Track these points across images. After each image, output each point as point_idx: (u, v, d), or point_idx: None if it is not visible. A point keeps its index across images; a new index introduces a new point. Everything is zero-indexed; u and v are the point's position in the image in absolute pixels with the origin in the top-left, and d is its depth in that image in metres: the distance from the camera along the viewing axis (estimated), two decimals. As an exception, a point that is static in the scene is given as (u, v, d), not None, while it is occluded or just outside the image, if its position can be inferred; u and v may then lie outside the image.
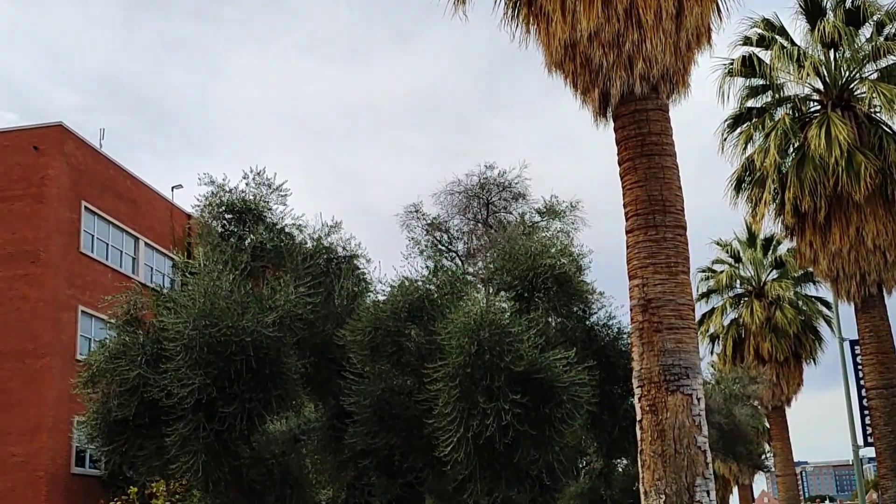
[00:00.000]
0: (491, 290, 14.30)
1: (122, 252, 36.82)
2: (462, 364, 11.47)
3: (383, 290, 14.42)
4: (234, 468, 13.37)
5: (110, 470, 32.23)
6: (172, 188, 41.17)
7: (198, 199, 15.43)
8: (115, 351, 13.50)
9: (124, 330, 14.08)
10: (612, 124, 12.44)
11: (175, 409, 12.66)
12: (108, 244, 35.87)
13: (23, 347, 31.39)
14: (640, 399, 11.39)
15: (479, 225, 35.31)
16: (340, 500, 15.52)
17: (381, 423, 13.06)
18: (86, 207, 34.33)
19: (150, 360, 13.20)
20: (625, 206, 12.04)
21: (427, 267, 14.67)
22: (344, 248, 15.69)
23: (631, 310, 11.70)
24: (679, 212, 11.85)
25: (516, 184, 36.15)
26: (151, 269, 38.41)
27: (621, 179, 12.15)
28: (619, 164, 12.20)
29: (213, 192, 15.43)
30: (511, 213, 36.54)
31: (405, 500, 14.57)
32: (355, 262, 15.69)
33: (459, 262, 32.68)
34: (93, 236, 34.89)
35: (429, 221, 36.84)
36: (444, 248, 36.57)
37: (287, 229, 15.64)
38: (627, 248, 11.92)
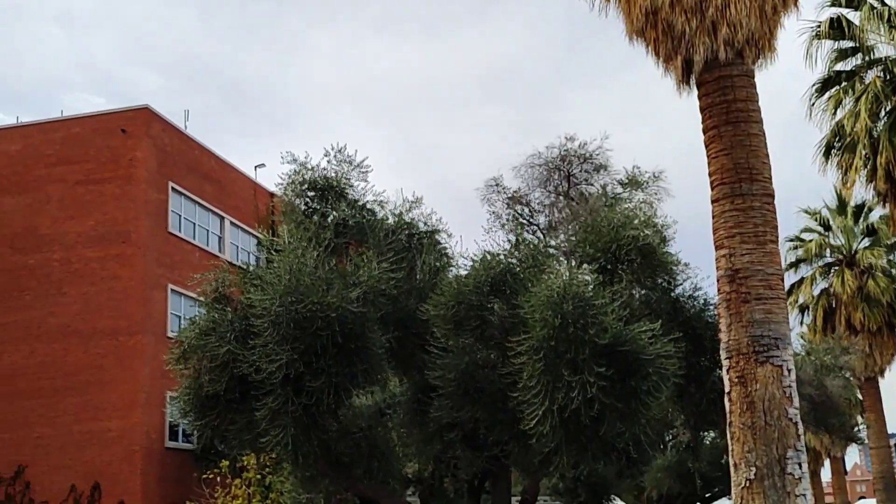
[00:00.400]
0: (573, 263, 14.18)
1: (208, 231, 37.61)
2: (546, 337, 11.43)
3: (465, 265, 14.45)
4: (322, 441, 13.59)
5: (203, 444, 33.12)
6: (255, 167, 41.87)
7: (281, 178, 15.64)
8: (205, 328, 13.82)
9: (213, 307, 14.39)
10: (695, 92, 12.18)
11: (264, 384, 12.90)
12: (194, 224, 36.67)
13: (116, 325, 32.38)
14: (728, 371, 11.20)
15: (561, 197, 35.05)
16: (427, 473, 15.67)
17: (465, 396, 13.11)
18: (172, 188, 35.12)
19: (239, 336, 13.47)
20: (710, 174, 11.80)
21: (509, 240, 14.65)
22: (425, 224, 15.75)
23: (718, 280, 11.48)
24: (766, 180, 11.57)
25: (597, 155, 35.73)
26: (237, 247, 39.17)
27: (706, 148, 11.90)
28: (704, 133, 11.96)
29: (295, 171, 15.61)
30: (592, 184, 36.18)
31: (491, 473, 14.66)
32: (437, 236, 15.74)
33: (541, 236, 32.48)
34: (180, 216, 35.70)
35: (509, 195, 36.72)
36: (525, 221, 36.44)
37: (369, 205, 15.77)
38: (713, 217, 11.70)
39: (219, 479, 28.70)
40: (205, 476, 29.42)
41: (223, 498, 27.78)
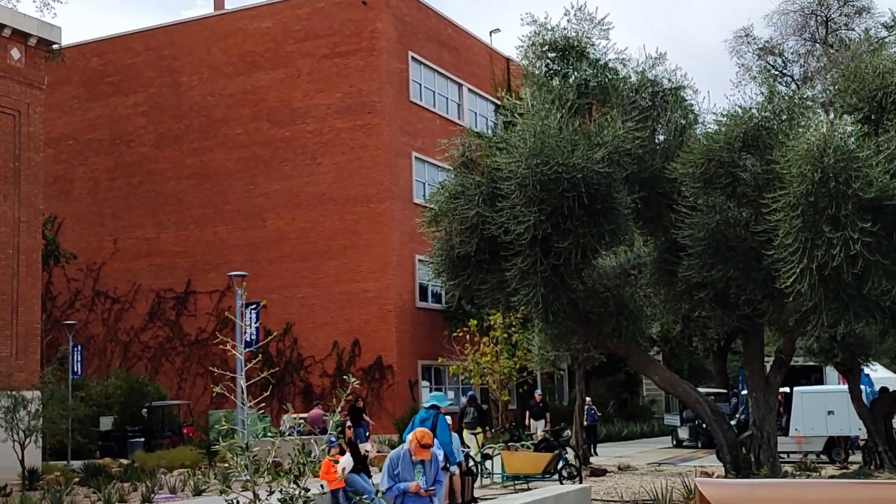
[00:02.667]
0: (833, 114, 13.34)
1: (447, 99, 38.26)
2: (804, 193, 10.95)
3: (713, 121, 13.93)
4: (570, 300, 13.86)
5: (451, 305, 34.61)
6: (490, 33, 41.88)
7: (520, 41, 15.51)
8: (454, 192, 14.25)
9: (461, 172, 14.78)
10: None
11: (513, 245, 13.23)
12: (434, 92, 37.38)
13: (366, 192, 34.01)
14: None
15: (818, 45, 32.78)
16: (675, 332, 15.68)
17: (716, 255, 12.87)
18: (412, 57, 35.82)
19: (487, 199, 13.80)
20: None
21: (761, 93, 13.89)
22: (669, 80, 15.22)
23: None
24: None
25: (859, -4, 32.91)
26: (475, 114, 39.66)
27: None
28: None
29: (535, 32, 15.41)
30: (853, 29, 33.54)
31: (742, 332, 14.45)
32: (681, 93, 15.20)
33: (796, 87, 30.70)
34: (420, 85, 36.47)
35: (760, 45, 34.69)
36: (777, 72, 34.51)
37: (610, 64, 15.39)
38: None
39: (467, 337, 30.01)
40: (454, 334, 30.88)
41: (473, 354, 29.11)
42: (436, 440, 12.26)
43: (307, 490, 4.56)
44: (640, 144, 13.84)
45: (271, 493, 4.61)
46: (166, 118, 37.71)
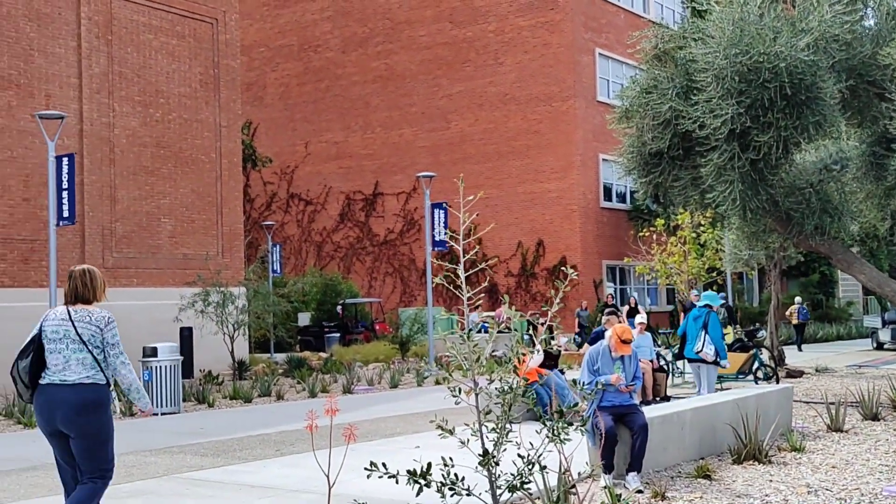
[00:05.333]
0: None
1: (632, -9, 36.96)
2: None
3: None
4: (770, 196, 13.33)
5: (640, 204, 34.11)
6: (678, -82, 39.86)
7: (718, -78, 14.67)
8: (647, 86, 13.81)
9: (653, 65, 14.29)
10: None
11: (708, 140, 12.77)
12: (618, -16, 36.17)
13: (548, 91, 33.59)
14: None
15: None
16: (883, 230, 14.85)
17: (934, 146, 12.02)
18: (596, -51, 34.67)
19: (681, 92, 13.32)
20: None
21: None
22: (880, -43, 14.08)
23: None
24: None
25: None
26: (661, 6, 38.17)
27: None
28: None
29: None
30: None
31: (960, 229, 13.53)
32: (896, -29, 14.05)
33: None
34: (604, -23, 35.34)
35: None
36: None
37: (816, -57, 14.38)
38: None
39: (654, 237, 29.54)
40: (640, 234, 30.45)
41: (660, 255, 28.66)
42: (709, 335, 12.65)
43: (526, 379, 4.65)
44: (848, 29, 12.94)
45: (491, 382, 4.74)
46: (351, 22, 38.29)
